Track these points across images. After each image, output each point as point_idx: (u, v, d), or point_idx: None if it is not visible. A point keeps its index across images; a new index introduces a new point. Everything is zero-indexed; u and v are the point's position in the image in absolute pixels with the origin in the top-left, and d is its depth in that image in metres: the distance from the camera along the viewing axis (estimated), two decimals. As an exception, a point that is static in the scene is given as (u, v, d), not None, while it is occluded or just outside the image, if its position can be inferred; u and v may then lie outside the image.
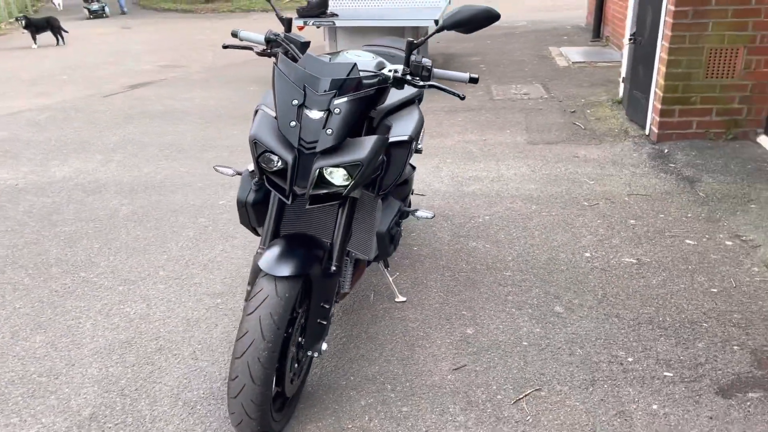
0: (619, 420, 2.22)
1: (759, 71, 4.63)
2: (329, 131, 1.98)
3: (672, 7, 4.54)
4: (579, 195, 4.05)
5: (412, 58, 2.18)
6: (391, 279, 3.05)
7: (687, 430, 2.16)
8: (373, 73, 2.12)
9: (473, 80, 2.21)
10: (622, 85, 5.97)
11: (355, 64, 2.06)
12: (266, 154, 2.03)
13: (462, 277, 3.17)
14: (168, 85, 8.12)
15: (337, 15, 7.22)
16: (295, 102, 2.01)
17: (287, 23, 2.33)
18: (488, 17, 2.08)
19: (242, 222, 2.45)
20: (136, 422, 2.34)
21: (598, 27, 9.47)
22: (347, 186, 2.02)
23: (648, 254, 3.29)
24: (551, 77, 7.31)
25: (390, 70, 2.17)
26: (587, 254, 3.33)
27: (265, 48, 2.31)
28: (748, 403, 2.26)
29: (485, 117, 5.90)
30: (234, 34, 2.42)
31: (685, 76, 4.67)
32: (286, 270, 1.98)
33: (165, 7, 18.26)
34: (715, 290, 2.95)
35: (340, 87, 2.00)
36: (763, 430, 2.14)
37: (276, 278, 1.98)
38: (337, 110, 1.98)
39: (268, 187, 2.12)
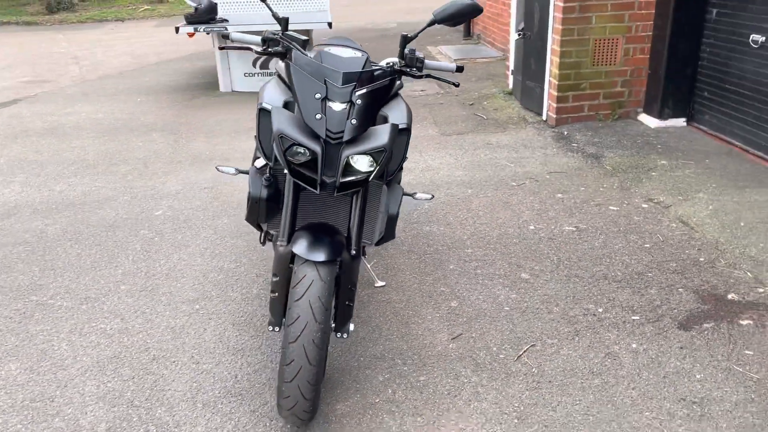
0: (609, 360, 2.54)
1: (636, 58, 5.26)
2: (354, 121, 2.10)
3: (561, 3, 5.05)
4: (505, 177, 4.42)
5: (406, 50, 2.36)
6: (369, 266, 3.20)
7: (665, 360, 2.52)
8: (379, 66, 2.27)
9: (459, 69, 2.43)
10: (511, 77, 6.48)
11: (368, 57, 2.20)
12: (293, 147, 2.11)
13: (428, 258, 3.38)
14: (41, 102, 7.60)
15: (227, 20, 7.17)
16: (318, 95, 2.12)
17: (284, 23, 2.41)
18: (473, 10, 2.31)
19: (249, 218, 2.49)
20: (160, 429, 2.32)
21: (468, 26, 10.08)
22: (372, 171, 2.16)
23: (583, 222, 3.70)
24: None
25: (389, 63, 2.33)
26: (532, 227, 3.67)
27: (265, 47, 2.38)
28: (706, 332, 2.67)
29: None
30: (225, 37, 2.46)
31: (575, 65, 5.21)
32: (324, 255, 2.08)
33: (3, 20, 16.84)
34: (648, 245, 3.39)
35: (358, 79, 2.13)
36: (723, 352, 2.54)
37: (316, 264, 2.08)
38: (358, 101, 2.12)
39: (294, 179, 2.20)
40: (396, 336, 2.77)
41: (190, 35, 7.18)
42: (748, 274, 3.06)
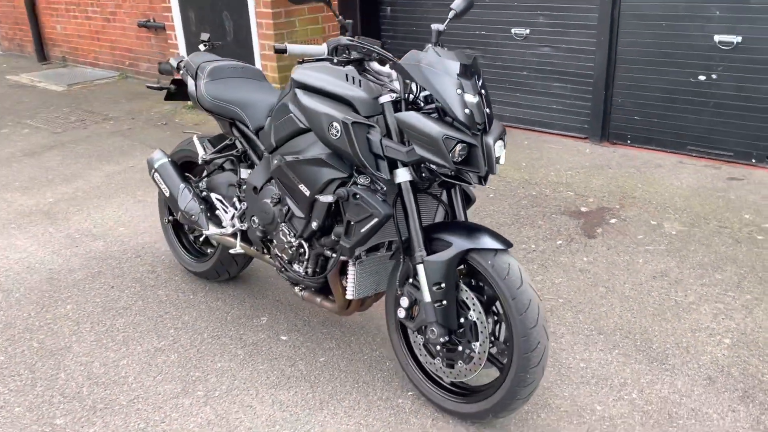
0: (587, 274, 3.17)
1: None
2: (488, 111, 2.16)
3: (269, 10, 5.24)
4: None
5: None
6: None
7: (613, 259, 3.29)
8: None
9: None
10: (190, 91, 6.26)
11: (462, 50, 2.25)
12: (456, 146, 2.05)
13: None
14: None
15: None
16: (459, 91, 2.09)
17: (352, 27, 2.19)
18: (472, 4, 2.57)
19: (357, 245, 2.22)
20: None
21: (42, 51, 8.95)
22: (502, 155, 2.24)
23: (425, 193, 4.17)
24: (86, 104, 6.83)
25: None
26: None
27: (340, 57, 2.13)
28: (604, 235, 3.55)
29: (95, 148, 5.32)
30: (281, 51, 2.09)
31: (290, 68, 5.49)
32: (504, 241, 2.13)
33: None
34: (492, 196, 4.11)
35: (475, 71, 2.18)
36: (628, 242, 3.46)
37: (506, 251, 2.12)
38: (483, 91, 2.17)
39: (447, 180, 2.13)
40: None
41: None
42: (571, 193, 4.09)
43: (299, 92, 2.37)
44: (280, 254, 2.58)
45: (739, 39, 4.10)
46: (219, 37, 5.74)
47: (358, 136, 2.17)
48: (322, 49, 2.17)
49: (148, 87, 3.22)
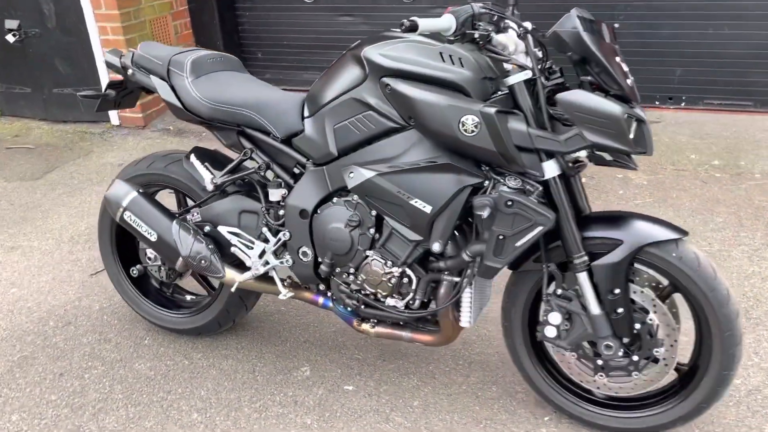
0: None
1: (184, 34, 4.95)
2: (630, 79, 1.83)
3: (112, -15, 4.24)
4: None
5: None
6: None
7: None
8: None
9: None
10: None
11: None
12: (633, 124, 1.70)
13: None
14: None
15: None
16: (618, 59, 1.74)
17: None
18: None
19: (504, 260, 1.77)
20: None
21: None
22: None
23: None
24: None
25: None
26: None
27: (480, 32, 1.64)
28: (588, 190, 3.43)
29: None
30: (413, 28, 1.53)
31: (145, 53, 4.54)
32: (680, 230, 1.86)
33: None
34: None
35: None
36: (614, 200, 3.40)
37: (684, 239, 1.85)
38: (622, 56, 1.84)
39: (617, 166, 1.77)
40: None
41: None
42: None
43: (393, 81, 1.80)
44: (372, 289, 2.00)
45: (639, -14, 4.23)
46: (35, 24, 4.53)
47: (504, 129, 1.72)
48: (449, 21, 1.63)
49: (83, 96, 2.34)
